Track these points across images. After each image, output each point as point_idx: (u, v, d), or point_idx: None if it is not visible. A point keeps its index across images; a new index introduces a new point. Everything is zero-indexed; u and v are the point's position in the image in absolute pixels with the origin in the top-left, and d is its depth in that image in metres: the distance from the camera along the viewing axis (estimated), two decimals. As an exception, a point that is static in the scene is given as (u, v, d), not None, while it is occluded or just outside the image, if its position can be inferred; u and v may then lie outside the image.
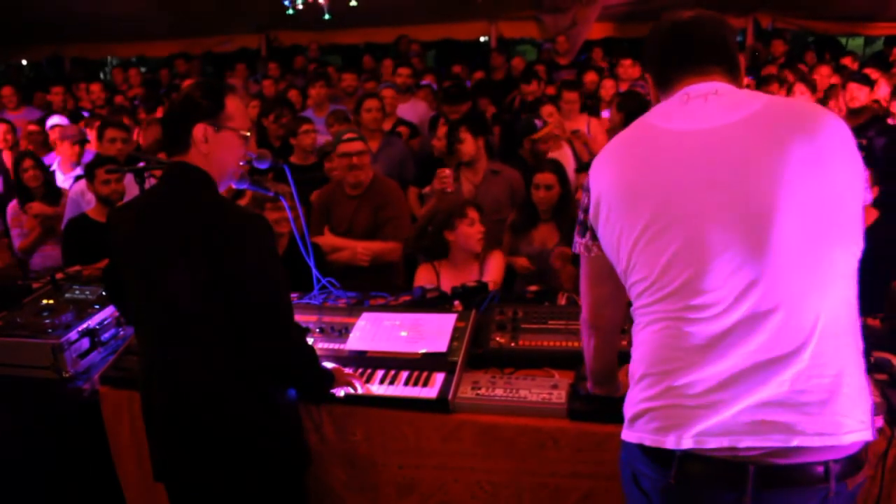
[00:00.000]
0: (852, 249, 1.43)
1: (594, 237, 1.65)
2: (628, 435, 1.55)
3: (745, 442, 1.38)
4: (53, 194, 4.73)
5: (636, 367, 1.57)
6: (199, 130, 1.93)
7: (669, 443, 1.44)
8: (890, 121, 5.27)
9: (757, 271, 1.39)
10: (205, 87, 1.99)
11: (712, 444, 1.40)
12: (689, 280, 1.44)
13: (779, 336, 1.38)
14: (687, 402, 1.43)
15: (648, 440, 1.48)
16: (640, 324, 1.57)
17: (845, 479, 1.39)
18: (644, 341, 1.55)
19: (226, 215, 1.90)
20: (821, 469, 1.37)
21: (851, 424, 1.38)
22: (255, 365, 1.93)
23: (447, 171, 4.01)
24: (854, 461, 1.40)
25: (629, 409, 1.56)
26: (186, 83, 2.06)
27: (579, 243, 1.71)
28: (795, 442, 1.36)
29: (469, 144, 4.20)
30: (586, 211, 1.66)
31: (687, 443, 1.42)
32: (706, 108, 1.51)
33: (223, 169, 2.00)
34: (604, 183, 1.59)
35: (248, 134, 2.04)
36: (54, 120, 6.42)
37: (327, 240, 3.72)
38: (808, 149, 1.38)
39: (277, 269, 1.93)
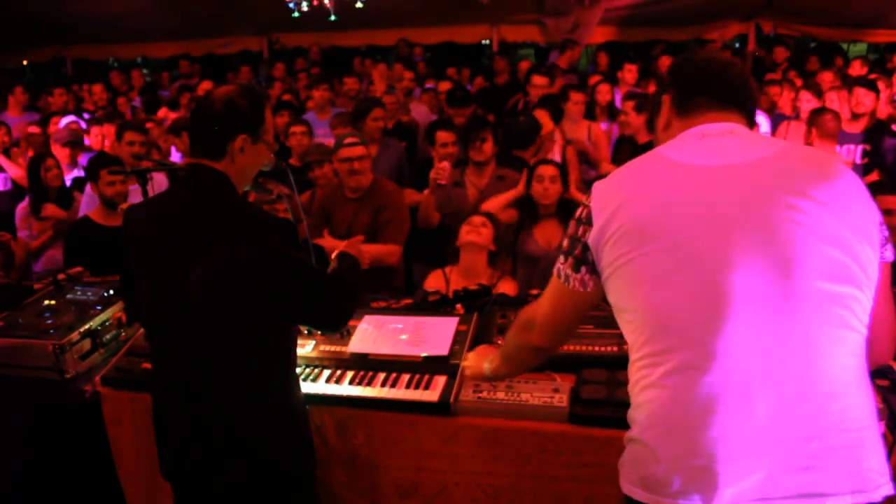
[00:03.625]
0: (866, 297, 1.43)
1: (592, 271, 1.56)
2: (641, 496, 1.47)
3: None
4: (67, 198, 4.69)
5: (641, 429, 1.49)
6: (240, 141, 1.91)
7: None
8: (894, 126, 5.28)
9: (779, 320, 1.37)
10: (250, 97, 1.94)
11: None
12: (706, 326, 1.38)
13: (803, 389, 1.36)
14: (709, 464, 1.37)
15: None
16: (646, 379, 1.48)
17: None
18: (651, 399, 1.47)
19: (249, 217, 1.90)
20: None
21: (880, 479, 1.39)
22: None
23: (445, 164, 4.03)
24: None
25: (636, 469, 1.49)
26: (221, 89, 1.99)
27: (574, 278, 1.59)
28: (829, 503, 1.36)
29: (490, 144, 4.23)
30: (585, 245, 1.55)
31: None
32: (723, 145, 1.52)
33: (246, 176, 1.99)
34: (614, 214, 1.49)
35: (275, 146, 2.03)
36: (67, 119, 6.43)
37: (327, 242, 3.73)
38: (824, 197, 1.40)
39: (295, 255, 1.97)
